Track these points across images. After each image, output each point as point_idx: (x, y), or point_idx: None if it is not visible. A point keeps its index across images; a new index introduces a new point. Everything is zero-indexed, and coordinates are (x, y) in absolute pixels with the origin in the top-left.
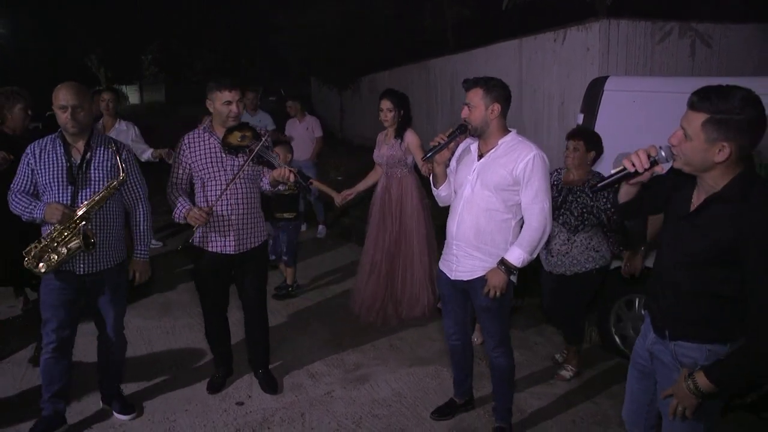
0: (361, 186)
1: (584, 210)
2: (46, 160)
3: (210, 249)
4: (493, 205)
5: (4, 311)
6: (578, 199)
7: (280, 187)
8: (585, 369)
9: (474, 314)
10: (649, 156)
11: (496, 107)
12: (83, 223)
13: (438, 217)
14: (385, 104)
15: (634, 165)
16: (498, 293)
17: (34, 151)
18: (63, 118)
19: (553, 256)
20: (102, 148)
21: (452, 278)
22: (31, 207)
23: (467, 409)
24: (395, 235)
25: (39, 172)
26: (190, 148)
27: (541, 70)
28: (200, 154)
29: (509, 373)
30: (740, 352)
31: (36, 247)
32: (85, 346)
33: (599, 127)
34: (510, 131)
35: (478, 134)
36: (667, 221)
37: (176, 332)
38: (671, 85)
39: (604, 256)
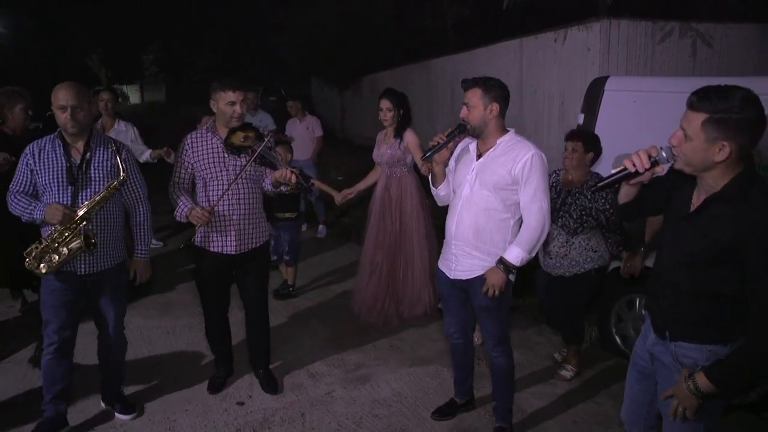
0: (362, 185)
1: (583, 212)
2: (46, 160)
3: (211, 249)
4: (492, 204)
5: (4, 311)
6: (577, 201)
7: (282, 188)
8: (585, 369)
9: (474, 314)
10: (649, 156)
11: (495, 107)
12: (84, 223)
13: (437, 216)
14: (385, 104)
15: (634, 165)
16: (497, 292)
17: (33, 151)
18: (62, 118)
19: (551, 258)
20: (102, 148)
21: (451, 277)
22: (30, 208)
23: (468, 409)
24: (396, 234)
25: (38, 172)
26: (192, 148)
27: (541, 70)
28: (203, 154)
29: (509, 373)
30: (740, 351)
31: (37, 248)
32: (85, 347)
33: (600, 127)
34: (508, 131)
35: (477, 134)
36: (666, 222)
37: (177, 332)
38: (672, 85)
39: (602, 257)
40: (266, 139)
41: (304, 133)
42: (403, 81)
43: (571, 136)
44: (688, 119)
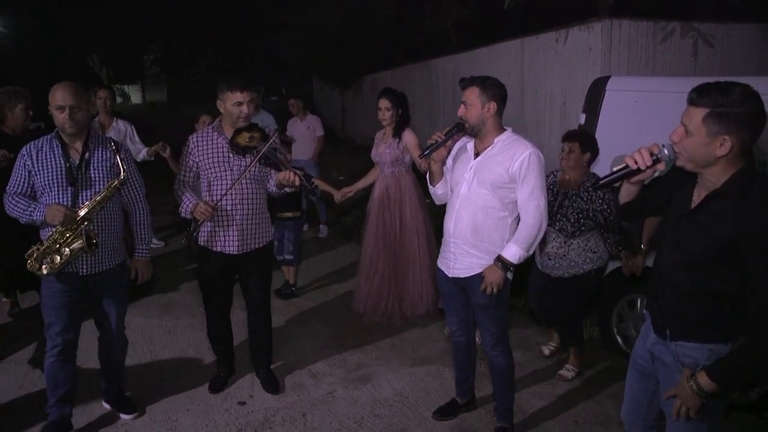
0: (361, 184)
1: (580, 215)
2: (44, 161)
3: (214, 249)
4: (490, 202)
5: (3, 312)
6: (574, 204)
7: (287, 189)
8: (586, 369)
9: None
10: (651, 153)
11: (492, 106)
12: (85, 224)
13: (436, 216)
14: (384, 103)
15: (636, 162)
16: (495, 290)
17: (30, 152)
18: (60, 118)
19: (550, 259)
20: (100, 148)
21: (450, 276)
22: (30, 209)
23: (469, 409)
24: (396, 233)
25: (37, 173)
26: (198, 147)
27: (543, 70)
28: (208, 154)
29: (509, 372)
30: (740, 350)
31: (38, 249)
32: (85, 346)
33: (601, 128)
34: (506, 129)
35: (475, 132)
36: (667, 221)
37: (178, 332)
38: (673, 85)
39: (601, 257)
40: (270, 140)
41: (305, 133)
42: (404, 81)
43: (568, 137)
44: (689, 115)
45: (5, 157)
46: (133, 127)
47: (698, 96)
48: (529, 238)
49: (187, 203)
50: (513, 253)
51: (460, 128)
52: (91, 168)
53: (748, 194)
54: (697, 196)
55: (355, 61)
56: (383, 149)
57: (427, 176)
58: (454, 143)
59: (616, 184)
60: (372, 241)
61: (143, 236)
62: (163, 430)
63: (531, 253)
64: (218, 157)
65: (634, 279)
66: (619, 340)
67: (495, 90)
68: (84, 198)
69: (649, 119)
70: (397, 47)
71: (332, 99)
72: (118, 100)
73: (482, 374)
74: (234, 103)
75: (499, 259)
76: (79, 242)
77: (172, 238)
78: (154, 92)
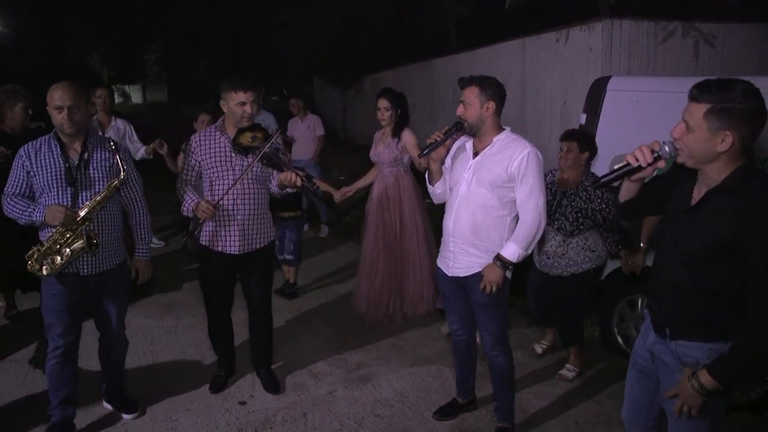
0: (360, 183)
1: (579, 214)
2: (43, 161)
3: (215, 249)
4: (489, 202)
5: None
6: (572, 203)
7: (288, 190)
8: (587, 369)
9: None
10: (652, 151)
11: (491, 105)
12: (86, 224)
13: (435, 215)
14: (383, 103)
15: (637, 160)
16: (494, 288)
17: (28, 153)
18: (59, 118)
19: (549, 258)
20: (99, 148)
21: (449, 275)
22: (29, 210)
23: (470, 409)
24: (396, 233)
25: (36, 174)
26: (200, 146)
27: (543, 70)
28: (210, 153)
29: (509, 372)
30: (741, 348)
31: (38, 250)
32: (86, 347)
33: (602, 127)
34: (504, 129)
35: (473, 132)
36: (667, 219)
37: (179, 332)
38: (674, 85)
39: (600, 256)
40: (272, 140)
41: (305, 132)
42: (405, 81)
43: (567, 136)
44: (690, 111)
45: (3, 154)
46: (131, 126)
47: (700, 92)
48: (528, 237)
49: (189, 202)
50: (512, 251)
51: (459, 127)
52: (91, 168)
53: (748, 191)
54: (697, 194)
55: (355, 61)
56: (382, 149)
57: (426, 175)
58: (453, 142)
59: (616, 183)
60: (372, 241)
61: (143, 236)
62: (163, 430)
63: (530, 251)
64: (221, 156)
65: (634, 278)
66: (620, 340)
67: (494, 89)
68: (84, 198)
69: (650, 119)
70: (397, 47)
71: (333, 99)
72: (119, 100)
73: (483, 374)
74: (237, 102)
75: (498, 257)
76: (79, 242)
77: (173, 237)
78: (155, 92)
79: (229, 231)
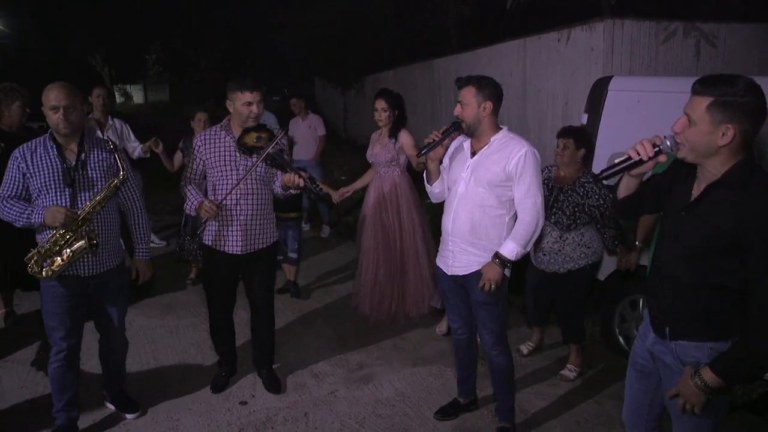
0: (359, 184)
1: (576, 209)
2: (39, 163)
3: (218, 248)
4: (488, 201)
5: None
6: (569, 198)
7: (291, 191)
8: (588, 369)
9: None
10: (653, 145)
11: (488, 105)
12: (86, 224)
13: (435, 214)
14: (380, 104)
15: (638, 153)
16: (493, 286)
17: (24, 154)
18: (54, 119)
19: (545, 254)
20: (96, 148)
21: (449, 273)
22: (27, 212)
23: (471, 409)
24: (395, 233)
25: (33, 175)
26: (205, 145)
27: (545, 70)
28: (214, 152)
29: (509, 372)
30: (741, 345)
31: (38, 252)
32: (86, 347)
33: (603, 127)
34: (501, 128)
35: (471, 132)
36: (666, 216)
37: (180, 331)
38: (675, 85)
39: (596, 252)
40: (276, 140)
41: (306, 132)
42: (406, 81)
43: (563, 133)
44: (692, 104)
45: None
46: (128, 126)
47: (702, 86)
48: (526, 235)
49: (192, 200)
50: (510, 250)
51: (457, 127)
52: (88, 168)
53: (748, 186)
54: (697, 190)
55: (355, 61)
56: (379, 150)
57: (424, 175)
58: (451, 142)
59: (616, 178)
60: (372, 241)
61: (142, 235)
62: (165, 430)
63: (528, 249)
64: (225, 156)
65: (629, 275)
66: (621, 340)
67: (491, 89)
68: (83, 199)
69: (651, 119)
70: (398, 47)
71: (334, 99)
72: (120, 99)
73: (484, 374)
74: (244, 103)
75: (497, 256)
76: (80, 243)
77: (174, 237)
78: (157, 92)
79: (232, 231)
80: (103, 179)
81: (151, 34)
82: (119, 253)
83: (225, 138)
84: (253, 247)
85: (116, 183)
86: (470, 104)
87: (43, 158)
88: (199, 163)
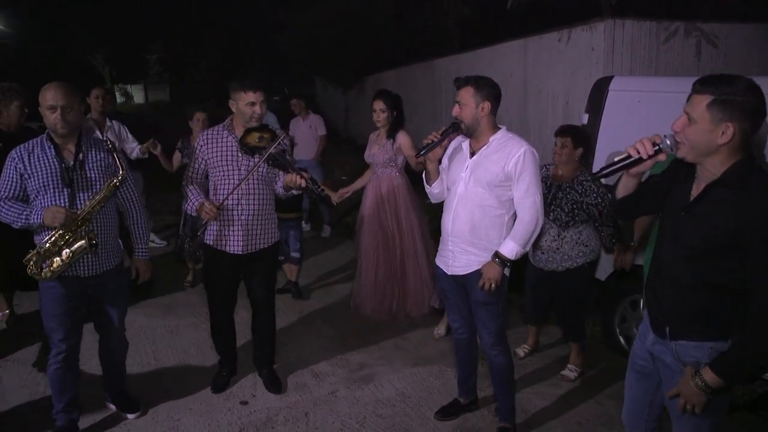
0: (357, 184)
1: (574, 206)
2: (37, 163)
3: (219, 248)
4: (487, 201)
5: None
6: (568, 196)
7: (293, 191)
8: (589, 369)
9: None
10: (653, 143)
11: (487, 105)
12: (85, 224)
13: (434, 214)
14: (378, 105)
15: (638, 152)
16: (493, 285)
17: (21, 155)
18: (52, 118)
19: (543, 253)
20: (94, 148)
21: (449, 273)
22: (26, 213)
23: (471, 409)
24: (394, 233)
25: (30, 176)
26: (207, 144)
27: (545, 70)
28: (216, 151)
29: (508, 372)
30: (741, 345)
31: (38, 253)
32: (86, 347)
33: (604, 127)
34: (500, 128)
35: (470, 132)
36: (665, 216)
37: (181, 331)
38: (676, 85)
39: (593, 250)
40: (278, 140)
41: (307, 132)
42: (407, 81)
43: (561, 131)
44: (692, 103)
45: None
46: (125, 127)
47: (703, 85)
48: (526, 235)
49: (193, 201)
50: (510, 249)
51: (456, 128)
52: (87, 168)
53: (747, 185)
54: (696, 190)
55: (355, 61)
56: (377, 150)
57: (423, 175)
58: (450, 142)
59: (615, 176)
60: (371, 242)
61: (141, 235)
62: (165, 430)
63: (528, 249)
64: (227, 155)
65: (626, 274)
66: (622, 340)
67: (489, 89)
68: (82, 199)
69: (652, 119)
70: (398, 47)
71: (335, 99)
72: (121, 99)
73: (484, 374)
74: (247, 103)
75: (497, 255)
76: (80, 243)
77: (174, 237)
78: (157, 92)
79: (233, 231)
80: (102, 179)
81: (151, 34)
82: (118, 253)
83: (227, 138)
84: (255, 247)
85: (116, 183)
86: (468, 105)
87: (41, 158)
88: (201, 163)
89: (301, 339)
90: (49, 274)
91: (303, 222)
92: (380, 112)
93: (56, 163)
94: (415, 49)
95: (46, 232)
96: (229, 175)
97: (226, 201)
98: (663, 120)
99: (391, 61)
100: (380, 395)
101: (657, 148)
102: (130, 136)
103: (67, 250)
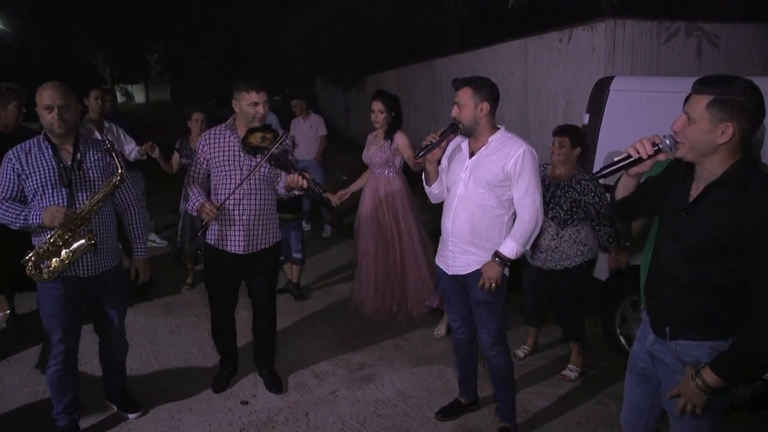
0: (355, 186)
1: (573, 204)
2: (34, 163)
3: (220, 248)
4: (487, 201)
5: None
6: (566, 194)
7: (295, 192)
8: (590, 369)
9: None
10: (653, 143)
11: (485, 106)
12: (85, 224)
13: (434, 214)
14: (377, 105)
15: (638, 152)
16: (493, 285)
17: (18, 155)
18: (48, 118)
19: (542, 252)
20: (92, 148)
21: (449, 273)
22: (24, 213)
23: (472, 409)
24: (392, 233)
25: (28, 176)
26: (209, 144)
27: (546, 70)
28: (219, 151)
29: (508, 372)
30: (741, 346)
31: (37, 253)
32: (86, 347)
33: (605, 127)
34: (499, 128)
35: (469, 133)
36: (664, 217)
37: (181, 331)
38: (677, 85)
39: (591, 250)
40: (280, 140)
41: (307, 132)
42: (407, 81)
43: (559, 131)
44: (692, 103)
45: None
46: (121, 129)
47: (702, 85)
48: (526, 234)
49: (194, 201)
50: (510, 248)
51: (454, 129)
52: (85, 168)
53: (747, 185)
54: (695, 191)
55: (355, 61)
56: (374, 151)
57: (423, 176)
58: (448, 143)
59: (615, 176)
60: (370, 242)
61: (139, 235)
62: (166, 430)
63: (527, 248)
64: (229, 155)
65: (621, 274)
66: (623, 340)
67: (487, 90)
68: (81, 198)
69: (653, 119)
70: (398, 47)
71: (336, 99)
72: (122, 99)
73: (485, 375)
74: (250, 103)
75: (497, 254)
76: (79, 242)
77: (173, 238)
78: (158, 92)
79: (235, 231)
80: (101, 179)
81: (151, 34)
82: (117, 253)
83: (230, 138)
84: (256, 247)
85: (115, 181)
86: (467, 105)
87: (38, 159)
88: (203, 162)
89: (301, 339)
90: (48, 275)
91: (303, 222)
92: (378, 112)
93: (54, 163)
94: (415, 49)
95: (45, 233)
96: (230, 175)
97: (227, 201)
98: (664, 120)
99: (391, 61)
100: (381, 395)
101: (656, 148)
102: (127, 137)
103: (67, 250)
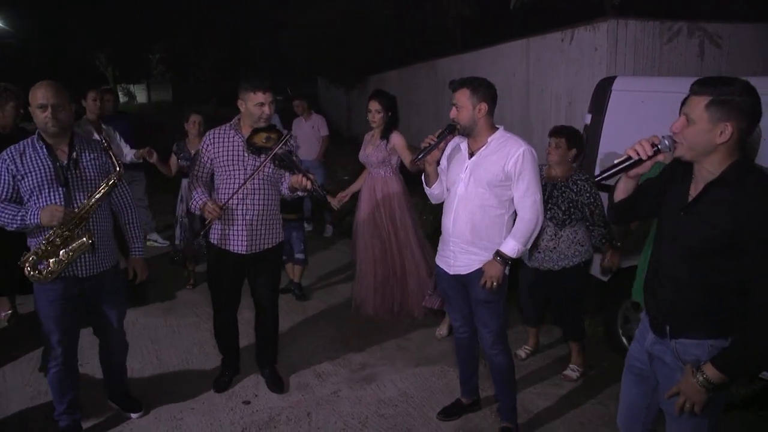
0: (354, 187)
1: (570, 204)
2: (30, 164)
3: (223, 247)
4: (488, 201)
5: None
6: (564, 194)
7: (299, 193)
8: (591, 369)
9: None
10: (652, 144)
11: (483, 106)
12: (83, 223)
13: (434, 214)
14: (374, 105)
15: (637, 153)
16: (494, 284)
17: (12, 156)
18: (42, 117)
19: (540, 252)
20: (88, 147)
21: (450, 273)
22: (21, 214)
23: (474, 409)
24: (390, 233)
25: (24, 177)
26: (213, 144)
27: (548, 70)
28: (222, 151)
29: (509, 372)
30: (741, 345)
31: (36, 254)
32: (87, 348)
33: (607, 128)
34: (498, 128)
35: (467, 133)
36: (663, 217)
37: (182, 331)
38: (679, 85)
39: (588, 250)
40: (284, 139)
41: (309, 132)
42: (409, 81)
43: (555, 132)
44: (691, 104)
45: None
46: (118, 132)
47: (701, 86)
48: (527, 233)
49: (197, 200)
50: (511, 247)
51: (452, 130)
52: (81, 167)
53: (745, 185)
54: (694, 190)
55: (355, 61)
56: (371, 150)
57: (423, 177)
58: (447, 144)
59: (616, 177)
60: (369, 244)
61: (136, 234)
62: (167, 429)
63: (528, 247)
64: (233, 155)
65: (616, 274)
66: (624, 340)
67: (485, 90)
68: (78, 198)
69: (655, 119)
70: (398, 47)
71: (338, 98)
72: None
73: (486, 375)
74: (256, 103)
75: (498, 254)
76: (79, 241)
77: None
78: (160, 92)
79: (238, 230)
80: (98, 178)
81: (152, 35)
82: (114, 253)
83: (234, 137)
84: (259, 247)
85: (114, 180)
86: (465, 107)
87: (33, 159)
88: (207, 162)
89: (303, 339)
90: (48, 276)
91: (304, 222)
92: (376, 112)
93: (50, 162)
94: (415, 49)
95: (42, 234)
96: (234, 175)
97: (230, 200)
98: (666, 120)
99: (392, 61)
100: (382, 395)
101: (656, 149)
102: (122, 141)
103: (65, 250)
